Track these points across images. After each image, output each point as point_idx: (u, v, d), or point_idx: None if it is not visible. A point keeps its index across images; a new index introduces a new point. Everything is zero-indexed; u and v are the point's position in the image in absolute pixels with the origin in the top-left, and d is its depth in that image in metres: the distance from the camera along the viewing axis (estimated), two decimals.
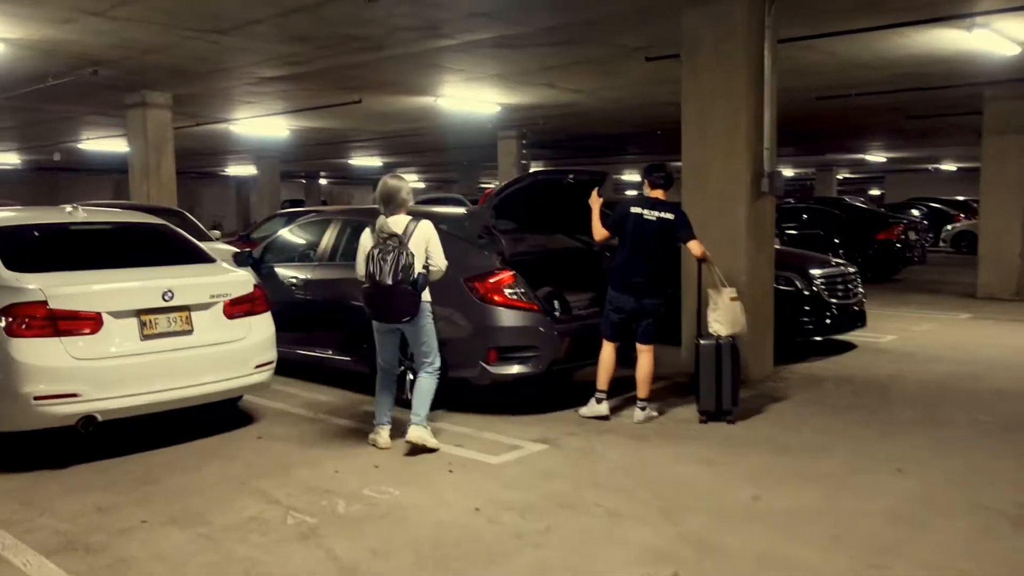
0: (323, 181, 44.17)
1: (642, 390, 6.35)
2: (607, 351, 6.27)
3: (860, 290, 9.32)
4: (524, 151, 21.04)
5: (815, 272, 8.86)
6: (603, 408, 6.27)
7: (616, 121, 18.16)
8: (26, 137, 22.56)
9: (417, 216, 5.62)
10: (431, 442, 5.51)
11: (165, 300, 5.45)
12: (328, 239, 7.54)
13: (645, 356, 6.40)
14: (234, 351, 5.77)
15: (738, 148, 7.36)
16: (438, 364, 5.67)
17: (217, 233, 12.49)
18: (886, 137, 23.89)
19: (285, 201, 31.04)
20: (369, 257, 5.38)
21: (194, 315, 5.61)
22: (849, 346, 9.23)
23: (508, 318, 6.21)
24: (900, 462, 5.27)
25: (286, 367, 7.69)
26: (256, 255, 8.08)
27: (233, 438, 5.93)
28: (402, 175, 5.74)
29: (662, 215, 6.20)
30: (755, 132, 7.40)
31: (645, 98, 14.80)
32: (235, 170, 35.80)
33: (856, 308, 9.16)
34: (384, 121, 18.25)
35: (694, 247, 6.29)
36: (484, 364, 6.24)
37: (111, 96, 14.15)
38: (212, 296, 5.70)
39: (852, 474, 5.11)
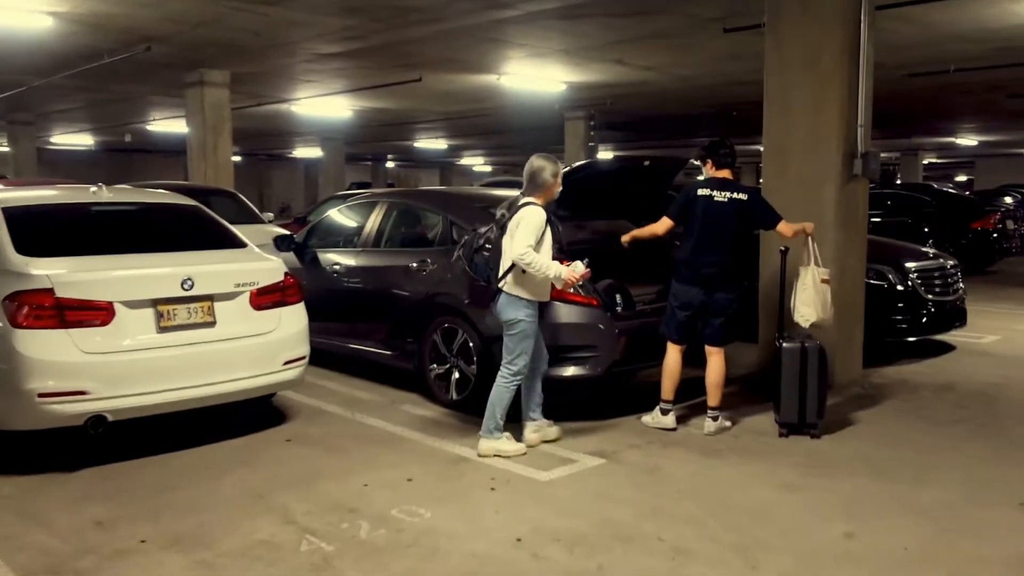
0: (390, 164, 43.97)
1: (713, 397, 5.65)
2: (672, 355, 5.59)
3: (960, 285, 8.38)
4: (592, 133, 20.22)
5: (910, 265, 7.97)
6: (669, 420, 5.59)
7: (688, 101, 17.25)
8: (95, 118, 22.66)
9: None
10: (506, 450, 5.10)
11: (185, 289, 4.96)
12: (373, 223, 6.98)
13: (716, 359, 5.69)
14: (261, 345, 5.26)
15: (827, 125, 6.54)
16: (516, 369, 5.11)
17: (270, 215, 12.10)
18: (980, 118, 22.35)
19: (352, 184, 30.80)
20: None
21: (217, 306, 5.11)
22: (946, 347, 8.32)
23: (562, 314, 5.55)
24: (1022, 494, 4.47)
25: (327, 359, 7.22)
26: (299, 239, 7.58)
27: (261, 440, 5.42)
28: (551, 156, 5.20)
29: (736, 196, 5.48)
30: (848, 107, 6.56)
31: (720, 76, 13.91)
32: (302, 152, 35.72)
33: (956, 305, 8.24)
34: (446, 101, 17.68)
35: (784, 228, 5.57)
36: None
37: (170, 75, 13.90)
38: (237, 285, 5.19)
39: (965, 506, 4.34)
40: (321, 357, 7.30)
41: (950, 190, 19.23)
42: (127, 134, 25.62)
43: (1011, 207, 21.89)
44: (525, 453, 5.07)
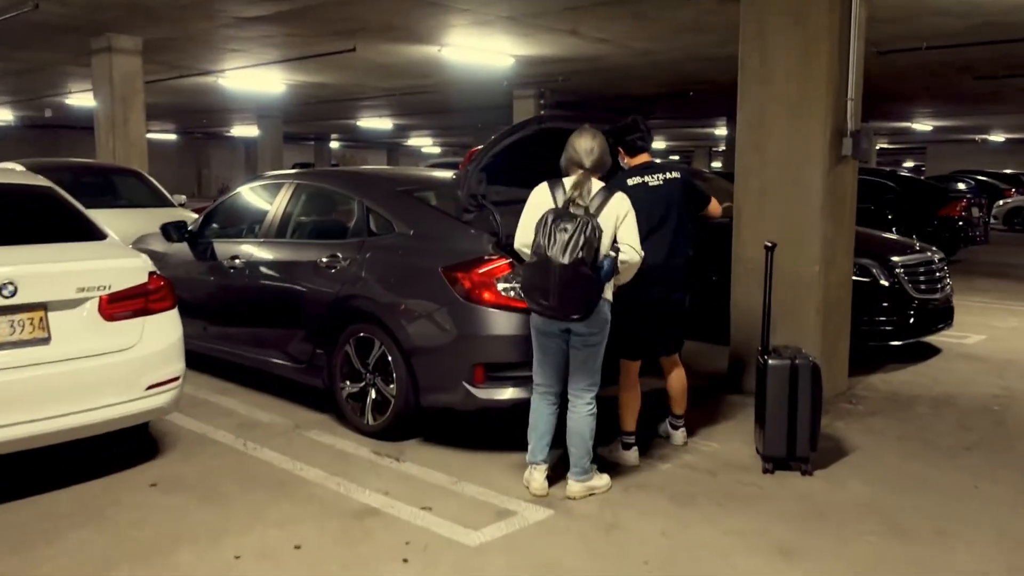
0: (334, 144, 42.46)
1: (679, 404, 4.91)
2: (631, 377, 4.62)
3: (948, 281, 7.53)
4: (542, 112, 19.16)
5: (896, 259, 7.08)
6: (632, 456, 4.61)
7: (644, 79, 16.28)
8: (9, 90, 20.97)
9: (612, 186, 4.17)
10: (600, 486, 4.25)
11: (5, 296, 3.80)
12: (277, 209, 5.84)
13: (678, 368, 4.89)
14: (115, 366, 4.12)
15: (813, 96, 5.58)
16: (598, 387, 4.19)
17: (182, 198, 10.82)
18: (940, 102, 21.78)
19: (294, 164, 29.33)
20: (542, 223, 3.83)
21: (53, 317, 3.96)
22: (931, 350, 7.47)
23: (502, 323, 4.50)
24: None
25: (231, 370, 6.10)
26: (194, 228, 6.41)
27: (120, 484, 4.29)
28: (596, 130, 4.20)
29: (669, 176, 4.62)
30: (838, 74, 5.60)
31: (681, 50, 12.94)
32: (240, 131, 34.12)
33: (943, 304, 7.39)
34: (386, 76, 16.47)
35: (714, 207, 4.87)
36: (469, 386, 4.55)
37: (76, 41, 12.52)
38: (82, 289, 4.04)
39: None
40: (223, 367, 6.17)
41: (913, 176, 18.62)
42: (47, 108, 23.89)
43: (973, 195, 21.40)
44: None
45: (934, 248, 7.73)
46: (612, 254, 3.88)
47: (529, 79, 16.73)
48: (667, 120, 26.57)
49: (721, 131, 28.26)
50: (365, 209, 5.24)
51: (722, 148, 32.49)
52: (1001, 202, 24.49)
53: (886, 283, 6.92)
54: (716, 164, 39.61)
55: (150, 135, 36.26)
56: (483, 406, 4.58)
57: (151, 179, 10.11)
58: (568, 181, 4.00)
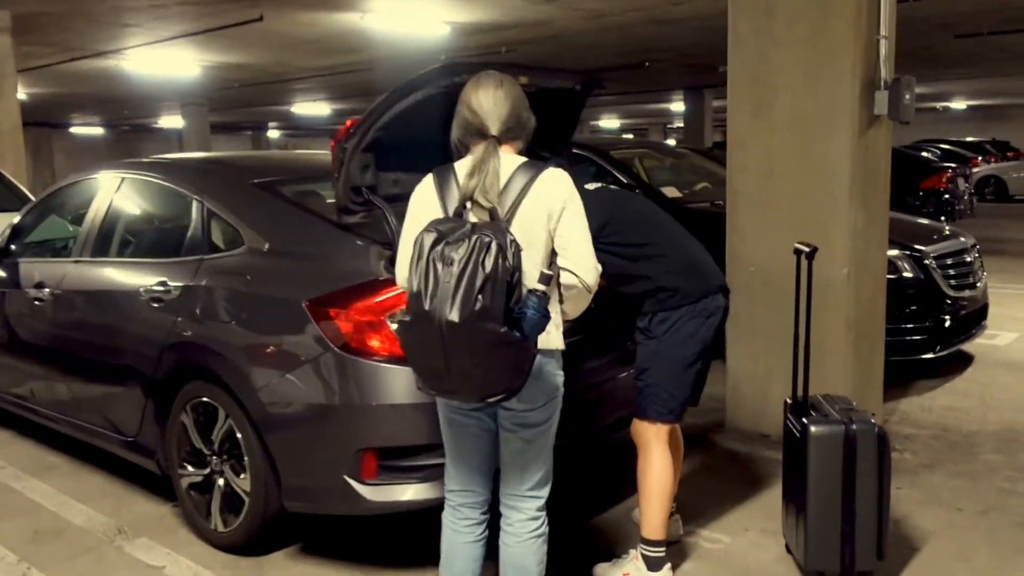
0: (273, 133, 40.35)
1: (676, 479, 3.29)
2: (661, 444, 3.02)
3: (982, 273, 6.09)
4: (450, 61, 17.43)
5: (927, 249, 5.62)
6: (667, 571, 3.03)
7: (595, 48, 14.70)
8: None
9: (536, 160, 2.47)
10: None
11: None
12: (96, 214, 4.16)
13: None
14: None
15: (835, 35, 4.06)
16: (548, 493, 2.58)
17: None
18: (909, 65, 20.51)
19: None
20: (416, 251, 2.21)
21: None
22: (961, 356, 6.03)
23: (401, 385, 2.91)
24: None
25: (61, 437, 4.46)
26: (0, 241, 4.71)
27: None
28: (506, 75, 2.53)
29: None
30: (867, 9, 4.08)
31: (638, 11, 11.38)
32: (168, 122, 31.90)
33: (979, 301, 5.96)
34: (307, 53, 14.69)
35: None
36: (353, 481, 2.96)
37: None
38: None
39: None
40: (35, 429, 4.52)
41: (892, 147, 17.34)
42: None
43: (959, 165, 20.19)
44: None
45: (962, 231, 6.29)
46: (540, 288, 2.24)
47: (469, 51, 15.05)
48: (619, 96, 25.07)
49: (678, 106, 26.87)
50: (205, 213, 3.59)
51: (679, 125, 31.12)
52: (970, 171, 23.50)
53: (915, 280, 5.46)
54: (671, 142, 38.24)
55: (76, 129, 33.87)
56: (376, 511, 3.00)
57: (9, 177, 8.33)
58: (462, 166, 2.41)
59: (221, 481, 3.36)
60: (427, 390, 2.36)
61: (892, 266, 5.34)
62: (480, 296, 2.10)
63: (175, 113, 27.56)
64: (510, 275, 2.14)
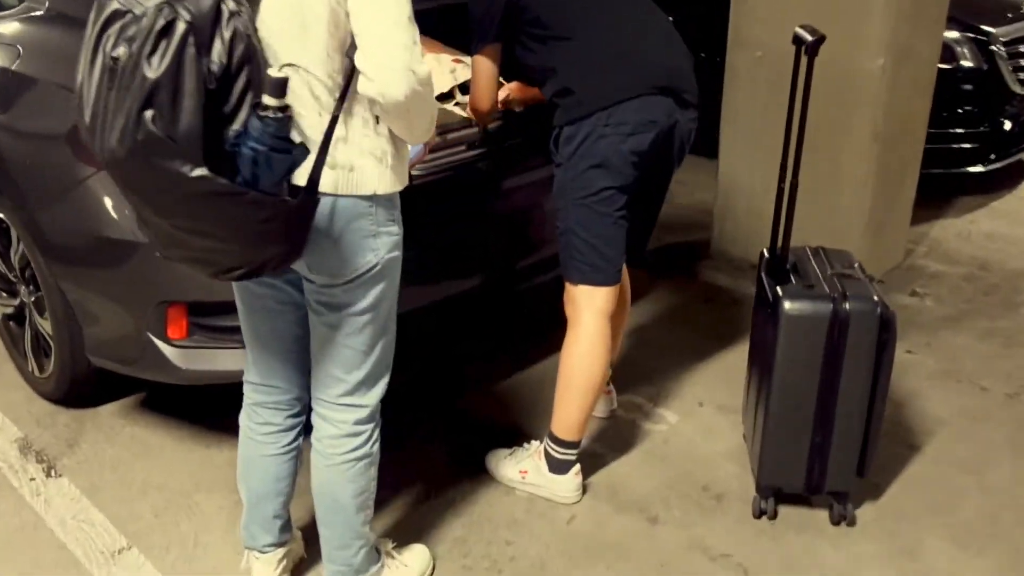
0: None
1: (614, 352, 2.49)
2: (594, 315, 2.16)
3: None
4: None
5: (995, 31, 4.42)
6: (569, 486, 2.27)
7: None
8: None
9: None
10: None
11: None
12: None
13: (626, 290, 2.47)
14: None
15: None
16: (375, 403, 1.75)
17: None
18: None
19: None
20: (86, 38, 1.32)
21: None
22: (1016, 170, 4.99)
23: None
24: None
25: None
26: None
27: None
28: None
29: None
30: None
31: None
32: None
33: None
34: None
35: None
36: (158, 340, 2.20)
37: None
38: None
39: None
40: None
41: None
42: None
43: None
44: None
45: None
46: (272, 102, 1.31)
47: None
48: None
49: None
50: None
51: None
52: None
53: (975, 71, 4.33)
54: None
55: None
56: (190, 380, 2.26)
57: None
58: None
59: (33, 320, 2.64)
60: (163, 253, 1.53)
61: (947, 52, 4.20)
62: (144, 115, 1.22)
63: None
64: (216, 80, 1.24)
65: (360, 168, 1.51)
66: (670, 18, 2.20)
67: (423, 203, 2.32)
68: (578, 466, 2.26)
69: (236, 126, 1.31)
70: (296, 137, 1.39)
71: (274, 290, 1.69)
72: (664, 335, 3.09)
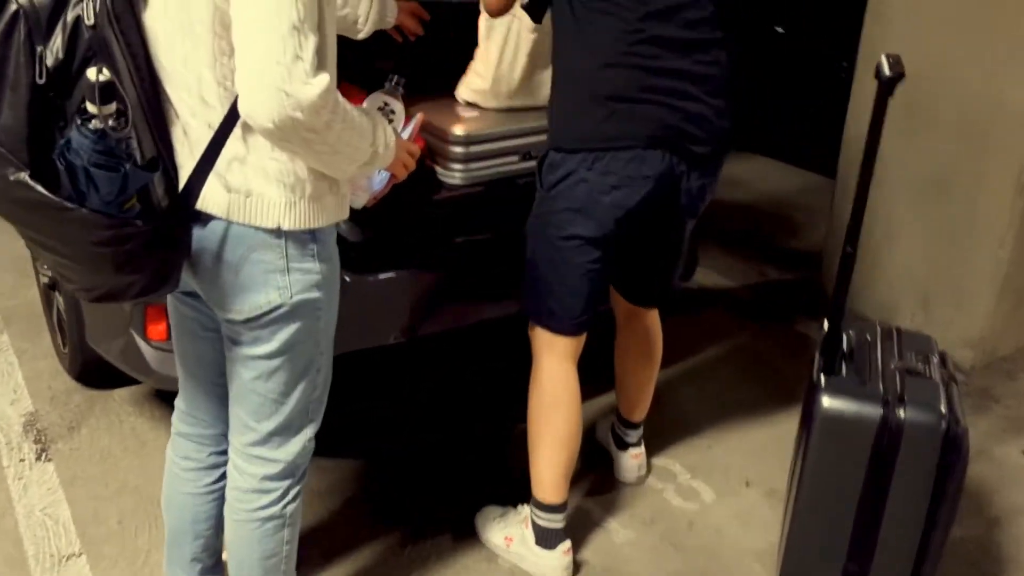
0: None
1: (638, 400, 2.22)
2: (566, 373, 1.88)
3: None
4: None
5: None
6: (555, 563, 1.95)
7: None
8: None
9: None
10: None
11: None
12: None
13: (651, 328, 2.15)
14: None
15: None
16: (290, 458, 1.50)
17: None
18: None
19: None
20: None
21: None
22: None
23: None
24: None
25: None
26: None
27: None
28: None
29: None
30: None
31: None
32: None
33: None
34: None
35: None
36: (139, 338, 2.07)
37: None
38: None
39: None
40: None
41: None
42: None
43: None
44: None
45: None
46: (94, 110, 1.11)
47: None
48: None
49: None
50: None
51: None
52: None
53: None
54: None
55: None
56: (164, 385, 2.12)
57: None
58: None
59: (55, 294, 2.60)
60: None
61: None
62: None
63: None
64: (49, 74, 1.08)
65: (260, 196, 1.27)
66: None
67: (459, 216, 2.10)
68: (568, 543, 1.96)
69: (69, 133, 1.11)
70: (147, 151, 1.18)
71: (198, 313, 1.49)
72: (726, 391, 2.69)
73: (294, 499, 1.54)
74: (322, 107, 1.15)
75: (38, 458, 2.33)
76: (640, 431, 2.28)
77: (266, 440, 1.47)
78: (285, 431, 1.47)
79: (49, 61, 1.10)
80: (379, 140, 1.31)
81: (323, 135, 1.18)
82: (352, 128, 1.24)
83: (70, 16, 1.10)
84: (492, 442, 2.44)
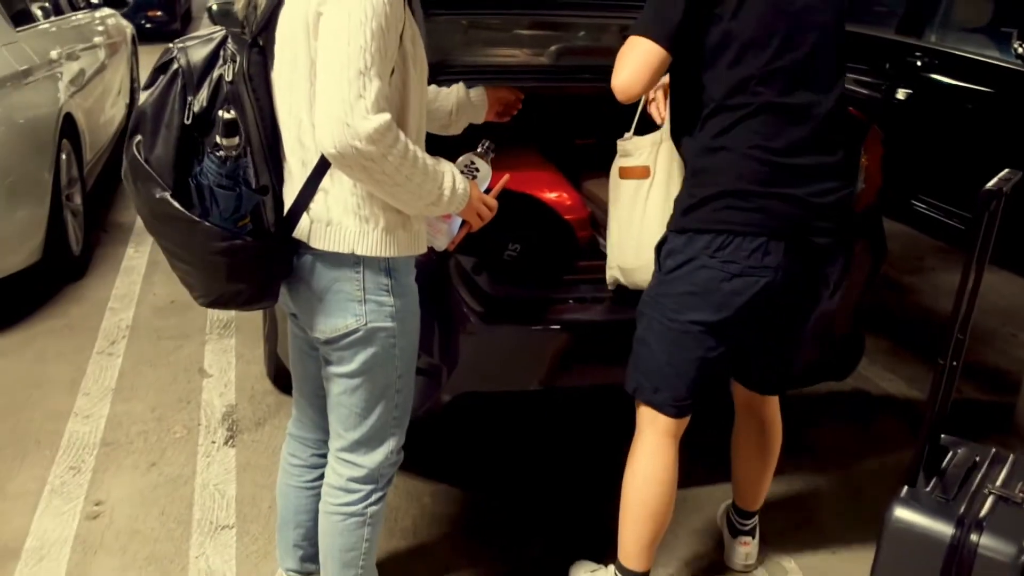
0: None
1: (754, 491, 2.21)
2: (667, 455, 1.92)
3: None
4: None
5: None
6: None
7: None
8: None
9: None
10: None
11: None
12: None
13: (771, 418, 2.13)
14: None
15: None
16: (374, 465, 1.72)
17: None
18: None
19: None
20: None
21: None
22: None
23: None
24: None
25: None
26: None
27: None
28: None
29: None
30: None
31: None
32: None
33: None
34: None
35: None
36: None
37: None
38: None
39: None
40: None
41: None
42: None
43: None
44: None
45: None
46: (223, 142, 1.43)
47: None
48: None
49: None
50: None
51: None
52: None
53: None
54: None
55: None
56: None
57: None
58: None
59: None
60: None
61: None
62: (134, 139, 1.45)
63: None
64: (195, 117, 1.43)
65: (339, 224, 1.51)
66: None
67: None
68: None
69: (210, 153, 1.43)
70: (262, 180, 1.46)
71: (305, 334, 1.74)
72: (878, 506, 2.56)
73: (376, 502, 1.75)
74: (378, 140, 1.37)
75: (225, 443, 2.74)
76: (754, 520, 2.26)
77: (353, 448, 1.70)
78: (369, 441, 1.69)
79: (196, 108, 1.43)
80: (446, 184, 1.51)
81: (380, 164, 1.39)
82: (414, 166, 1.44)
83: (215, 74, 1.44)
84: (601, 498, 2.52)
